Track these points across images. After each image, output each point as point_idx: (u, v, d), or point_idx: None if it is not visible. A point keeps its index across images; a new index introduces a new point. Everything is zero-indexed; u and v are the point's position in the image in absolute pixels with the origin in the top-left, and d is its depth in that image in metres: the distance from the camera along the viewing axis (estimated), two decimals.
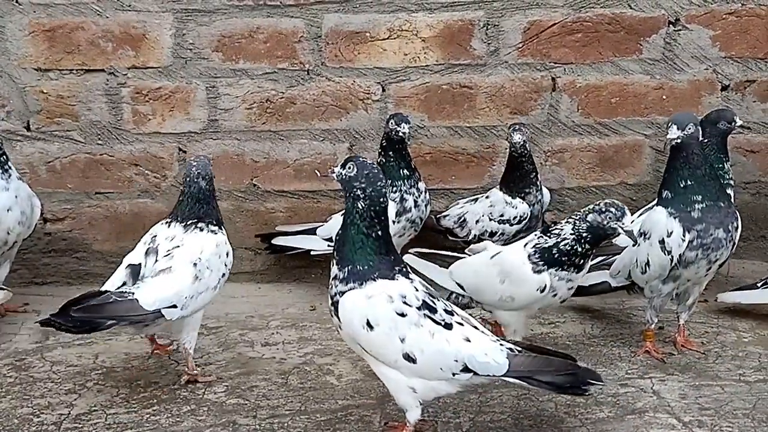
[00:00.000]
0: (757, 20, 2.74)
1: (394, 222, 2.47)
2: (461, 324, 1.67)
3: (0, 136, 2.45)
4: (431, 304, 1.66)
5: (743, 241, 2.85)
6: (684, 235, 2.02)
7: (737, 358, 2.12)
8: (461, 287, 2.09)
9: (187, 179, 2.11)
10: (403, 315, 1.62)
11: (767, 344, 2.21)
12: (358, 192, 1.70)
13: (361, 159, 1.76)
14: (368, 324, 1.63)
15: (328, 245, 2.61)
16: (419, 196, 2.51)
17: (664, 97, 2.80)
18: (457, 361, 1.63)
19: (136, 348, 2.28)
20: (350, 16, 2.75)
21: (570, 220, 1.94)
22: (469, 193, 2.82)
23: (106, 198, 2.83)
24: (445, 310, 1.68)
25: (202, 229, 2.06)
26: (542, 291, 1.93)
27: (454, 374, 1.64)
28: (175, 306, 1.92)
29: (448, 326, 1.64)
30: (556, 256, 1.92)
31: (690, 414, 1.84)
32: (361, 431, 1.82)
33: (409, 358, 1.63)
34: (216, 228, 2.10)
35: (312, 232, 2.69)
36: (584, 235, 1.90)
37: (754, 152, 2.83)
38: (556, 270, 1.92)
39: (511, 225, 2.60)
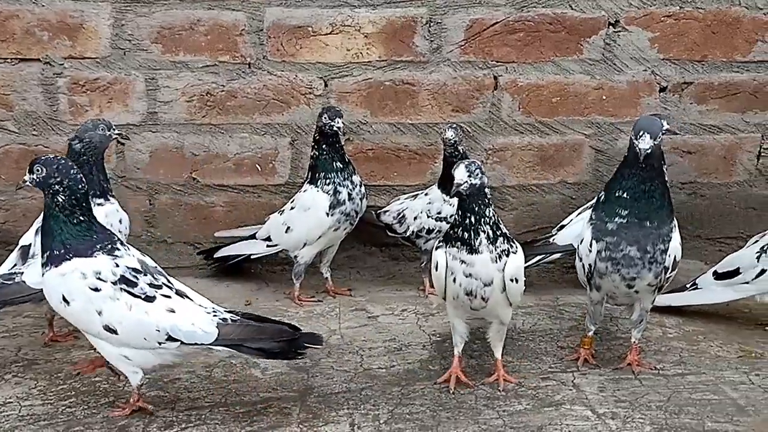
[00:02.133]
0: (694, 23, 2.78)
1: (328, 214, 2.47)
2: (168, 297, 1.75)
3: None
4: (132, 278, 1.75)
5: None
6: (591, 245, 1.98)
7: (659, 353, 2.15)
8: None
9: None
10: (97, 290, 1.75)
11: (690, 340, 2.24)
12: (57, 187, 1.79)
13: (43, 158, 1.84)
14: (64, 299, 1.76)
15: (268, 245, 2.60)
16: (353, 188, 2.51)
17: (603, 97, 2.83)
18: (159, 330, 1.74)
19: (61, 341, 2.24)
20: (292, 11, 2.74)
21: None
22: (411, 190, 2.82)
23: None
24: (151, 284, 1.76)
25: None
26: None
27: (160, 343, 1.75)
28: None
29: (150, 299, 1.75)
30: None
31: (605, 406, 1.85)
32: (279, 423, 1.80)
33: (110, 330, 1.75)
34: (101, 199, 2.12)
35: (251, 237, 2.67)
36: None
37: (691, 153, 2.87)
38: None
39: (448, 222, 2.60)
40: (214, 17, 2.72)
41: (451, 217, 2.61)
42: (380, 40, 2.77)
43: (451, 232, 1.89)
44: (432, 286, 2.65)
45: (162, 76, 2.75)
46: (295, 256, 2.56)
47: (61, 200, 1.77)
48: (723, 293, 2.31)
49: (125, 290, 1.74)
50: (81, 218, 1.77)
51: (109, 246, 1.79)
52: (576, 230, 2.49)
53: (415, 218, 2.64)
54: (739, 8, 2.76)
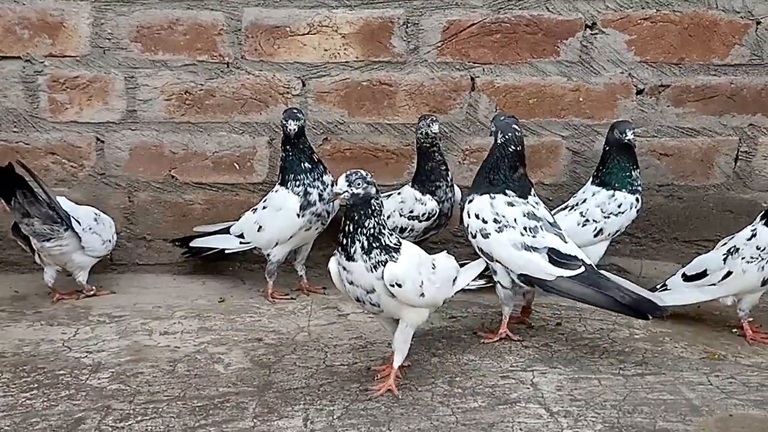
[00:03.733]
0: (671, 26, 2.78)
1: (299, 215, 2.48)
2: None
3: None
4: None
5: (656, 243, 2.93)
6: None
7: (623, 353, 2.15)
8: None
9: None
10: None
11: (656, 341, 2.23)
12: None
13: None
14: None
15: (241, 242, 2.62)
16: (324, 189, 2.52)
17: (580, 99, 2.83)
18: None
19: (32, 335, 2.27)
20: (270, 11, 2.76)
21: None
22: (388, 190, 2.82)
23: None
24: None
25: None
26: None
27: None
28: None
29: None
30: None
31: (560, 404, 1.85)
32: (234, 417, 1.82)
33: None
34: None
35: (226, 231, 2.69)
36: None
37: (668, 155, 2.87)
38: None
39: (420, 221, 2.62)
40: (192, 17, 2.75)
41: (423, 215, 2.63)
42: (358, 41, 2.79)
43: (339, 237, 1.90)
44: None
45: (141, 74, 2.78)
46: (268, 254, 2.58)
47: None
48: (691, 294, 2.31)
49: None
50: None
51: None
52: None
53: (388, 217, 2.65)
54: (716, 11, 2.76)
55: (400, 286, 1.86)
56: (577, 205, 2.60)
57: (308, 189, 2.49)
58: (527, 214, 2.20)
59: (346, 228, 1.88)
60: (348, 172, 1.91)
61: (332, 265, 1.94)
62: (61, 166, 2.81)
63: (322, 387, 1.95)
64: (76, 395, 1.90)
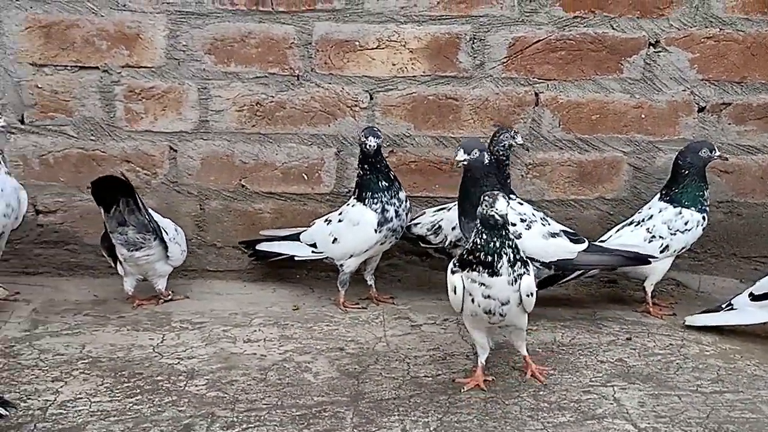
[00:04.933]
0: (734, 45, 2.83)
1: (376, 231, 2.56)
2: None
3: None
4: None
5: (715, 258, 2.99)
6: None
7: (697, 369, 2.21)
8: None
9: None
10: None
11: (727, 358, 2.30)
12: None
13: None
14: None
15: (313, 251, 2.68)
16: (400, 206, 2.59)
17: (642, 116, 2.89)
18: None
19: (121, 340, 2.35)
20: (340, 25, 2.83)
21: None
22: (451, 202, 2.89)
23: None
24: None
25: None
26: None
27: None
28: None
29: None
30: None
31: (646, 421, 1.92)
32: (334, 427, 1.89)
33: None
34: None
35: (295, 237, 2.76)
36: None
37: (728, 173, 2.92)
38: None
39: None
40: (264, 30, 2.82)
41: None
42: (425, 56, 2.85)
43: (471, 257, 1.99)
44: None
45: (214, 86, 2.85)
46: (341, 265, 2.65)
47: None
48: (759, 314, 2.37)
49: None
50: None
51: None
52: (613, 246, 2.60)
53: (453, 228, 2.72)
54: None
55: (531, 295, 2.02)
56: (643, 221, 2.66)
57: (386, 206, 2.55)
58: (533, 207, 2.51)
59: (491, 245, 1.95)
60: (501, 195, 1.98)
61: (457, 281, 2.02)
62: (135, 174, 2.89)
63: (412, 398, 2.02)
64: (179, 401, 1.98)
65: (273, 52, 2.83)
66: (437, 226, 2.75)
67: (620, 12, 2.80)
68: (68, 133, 2.85)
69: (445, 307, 2.69)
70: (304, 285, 2.88)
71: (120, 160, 2.88)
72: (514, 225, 2.34)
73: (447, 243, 2.72)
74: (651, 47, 2.84)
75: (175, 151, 2.89)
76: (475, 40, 2.84)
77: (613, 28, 2.83)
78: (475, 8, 2.82)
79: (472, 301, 2.01)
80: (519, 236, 2.35)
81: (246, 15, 2.81)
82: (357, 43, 2.84)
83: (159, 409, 1.94)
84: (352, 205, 2.62)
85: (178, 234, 2.66)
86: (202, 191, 2.92)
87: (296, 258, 2.74)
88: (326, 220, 2.69)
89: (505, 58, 2.86)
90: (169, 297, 2.65)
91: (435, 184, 2.94)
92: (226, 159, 2.91)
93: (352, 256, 2.61)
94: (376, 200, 2.55)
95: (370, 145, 2.52)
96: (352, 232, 2.57)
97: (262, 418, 1.91)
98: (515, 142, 2.67)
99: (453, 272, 2.05)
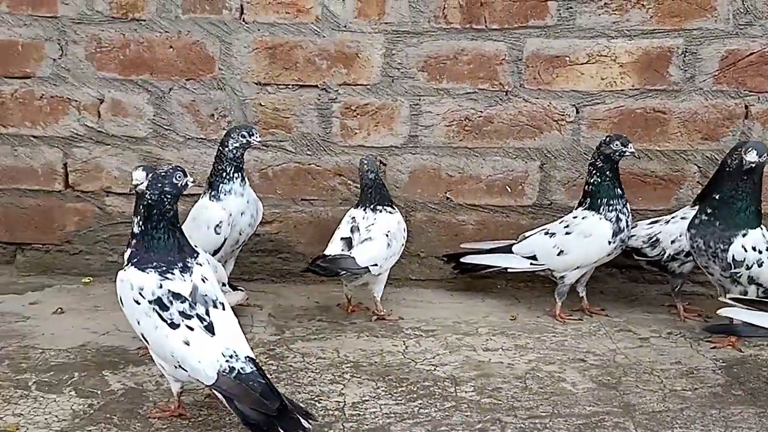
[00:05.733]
0: None
1: (610, 242, 2.59)
2: (191, 328, 1.86)
3: (242, 150, 2.67)
4: (166, 302, 1.88)
5: None
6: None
7: None
8: None
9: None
10: (138, 303, 1.90)
11: None
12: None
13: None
14: (120, 300, 1.96)
15: (531, 263, 2.72)
16: (628, 216, 2.62)
17: None
18: (173, 356, 1.87)
19: (367, 345, 2.43)
20: (551, 41, 2.88)
21: None
22: (654, 215, 2.90)
23: (310, 204, 3.04)
24: (182, 313, 1.86)
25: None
26: None
27: (176, 366, 1.88)
28: (376, 264, 2.54)
29: (174, 325, 1.86)
30: None
31: None
32: None
33: (144, 339, 1.93)
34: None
35: (506, 250, 2.81)
36: None
37: None
38: None
39: None
40: (477, 47, 2.91)
41: None
42: (635, 70, 2.87)
43: None
44: (686, 310, 2.76)
45: (425, 102, 2.95)
46: (561, 277, 2.69)
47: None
48: None
49: (156, 311, 1.87)
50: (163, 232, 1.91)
51: (177, 265, 1.90)
52: None
53: (673, 241, 2.71)
54: None
55: None
56: None
57: (619, 215, 2.59)
58: None
59: None
60: None
61: None
62: (347, 186, 3.01)
63: (683, 411, 2.03)
64: (459, 406, 2.04)
65: (484, 69, 2.91)
66: (654, 239, 2.76)
67: None
68: (287, 149, 3.00)
69: (661, 321, 2.71)
70: (510, 295, 2.94)
71: (333, 173, 3.01)
72: (761, 253, 2.39)
73: (665, 256, 2.72)
74: None
75: (384, 164, 3.00)
76: (687, 54, 2.85)
77: None
78: (689, 21, 2.83)
79: None
80: (761, 263, 2.38)
81: (459, 33, 2.90)
82: (567, 58, 2.89)
83: (446, 413, 2.01)
84: (583, 217, 2.65)
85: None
86: (408, 203, 3.02)
87: (509, 270, 2.79)
88: (547, 233, 2.73)
89: (717, 71, 2.85)
90: (382, 314, 2.69)
91: (639, 196, 2.95)
92: (433, 172, 3.00)
93: (578, 267, 2.65)
94: (611, 208, 2.58)
95: (629, 152, 2.58)
96: (584, 243, 2.60)
97: (547, 425, 1.95)
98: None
99: None
